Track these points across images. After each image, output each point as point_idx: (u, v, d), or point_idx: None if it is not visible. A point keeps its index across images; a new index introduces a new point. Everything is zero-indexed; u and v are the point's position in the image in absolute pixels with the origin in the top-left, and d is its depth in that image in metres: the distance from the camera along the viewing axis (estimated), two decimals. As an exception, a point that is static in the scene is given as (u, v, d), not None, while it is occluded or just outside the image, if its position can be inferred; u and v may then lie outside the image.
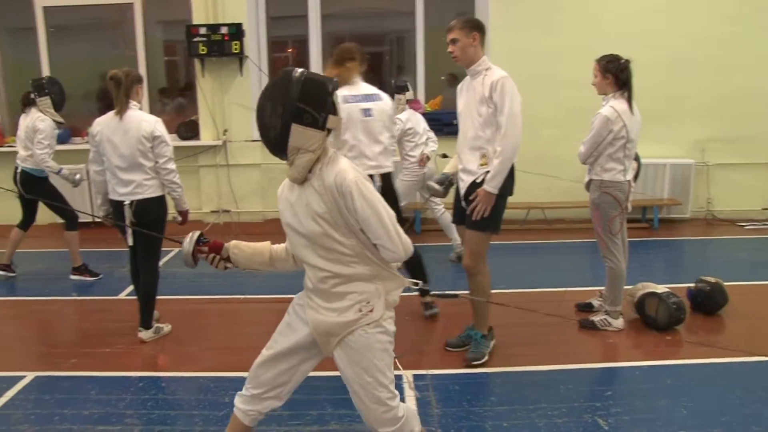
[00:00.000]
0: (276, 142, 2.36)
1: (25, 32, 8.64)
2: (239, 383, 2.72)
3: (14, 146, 8.09)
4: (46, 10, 8.42)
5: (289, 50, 9.05)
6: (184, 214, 4.78)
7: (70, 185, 6.12)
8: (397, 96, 5.99)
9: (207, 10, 7.75)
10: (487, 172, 3.90)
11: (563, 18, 7.55)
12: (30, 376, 4.14)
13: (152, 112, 4.78)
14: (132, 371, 4.18)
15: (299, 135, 2.32)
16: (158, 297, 4.71)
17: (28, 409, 3.75)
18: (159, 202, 4.54)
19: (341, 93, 4.46)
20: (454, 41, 3.99)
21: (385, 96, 4.58)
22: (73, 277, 6.23)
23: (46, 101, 5.90)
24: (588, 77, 4.61)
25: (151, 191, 4.44)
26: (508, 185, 3.95)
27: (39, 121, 5.84)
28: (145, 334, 4.65)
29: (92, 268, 6.25)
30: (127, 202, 4.42)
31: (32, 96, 5.95)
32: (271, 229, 7.89)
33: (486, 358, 4.17)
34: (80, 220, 6.18)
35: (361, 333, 2.48)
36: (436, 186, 4.33)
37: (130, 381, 4.07)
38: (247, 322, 4.97)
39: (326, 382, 3.94)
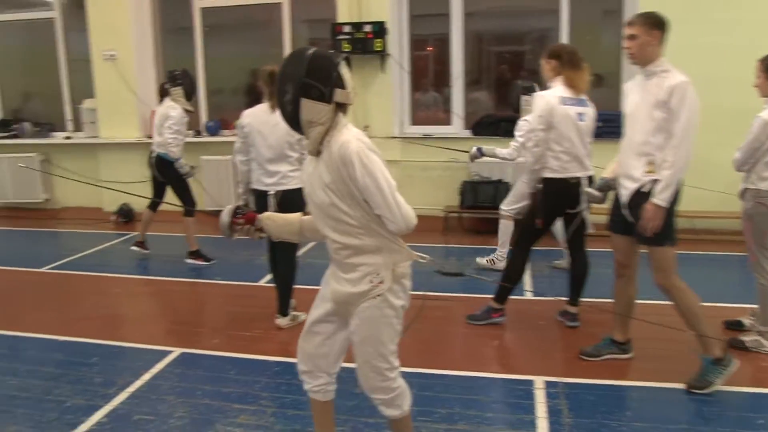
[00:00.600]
0: (290, 116, 2.50)
1: (183, 31, 9.21)
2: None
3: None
4: (204, 10, 8.97)
5: (429, 48, 9.06)
6: None
7: (183, 175, 6.50)
8: (523, 98, 5.87)
9: (351, 8, 7.91)
10: (654, 180, 3.65)
11: (723, 13, 6.98)
12: (177, 351, 4.43)
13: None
14: (268, 356, 4.36)
15: (309, 109, 2.45)
16: (296, 286, 4.87)
17: (174, 381, 4.01)
18: (301, 194, 4.68)
19: (560, 94, 4.42)
20: (632, 37, 3.74)
21: (590, 102, 4.60)
22: (188, 260, 6.64)
23: (178, 91, 6.38)
24: (752, 78, 4.28)
25: (295, 182, 4.59)
26: (676, 194, 3.69)
27: (170, 109, 6.32)
28: (282, 321, 4.83)
29: (230, 256, 6.62)
30: (271, 192, 4.60)
31: (166, 86, 6.44)
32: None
33: (714, 388, 3.73)
34: (220, 209, 6.47)
35: (368, 305, 2.57)
36: (595, 192, 4.14)
37: (266, 365, 4.25)
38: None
39: (456, 381, 3.95)
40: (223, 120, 8.95)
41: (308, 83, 2.42)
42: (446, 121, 8.35)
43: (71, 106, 9.65)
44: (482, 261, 6.28)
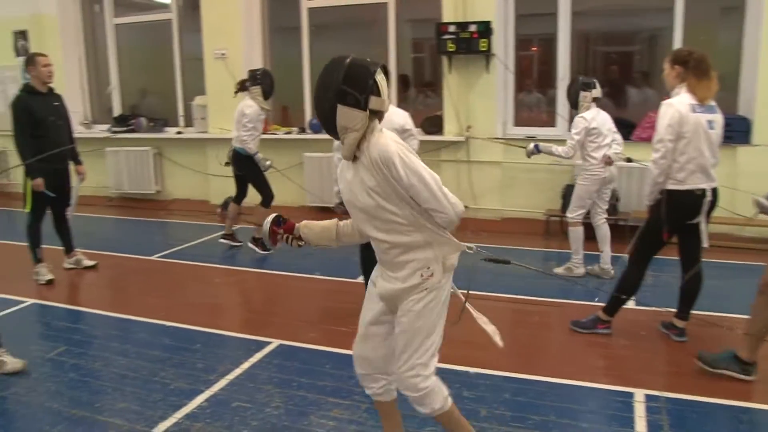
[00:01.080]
0: (326, 121, 2.57)
1: (290, 31, 9.43)
2: (471, 379, 2.71)
3: (275, 133, 8.95)
4: (311, 10, 9.14)
5: (534, 48, 8.89)
6: None
7: (261, 168, 6.87)
8: (582, 93, 5.71)
9: (456, 8, 7.86)
10: None
11: None
12: (275, 342, 4.55)
13: (400, 105, 5.04)
14: (363, 351, 4.39)
15: (344, 115, 2.51)
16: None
17: (273, 371, 4.12)
18: None
19: (689, 102, 4.19)
20: None
21: (718, 109, 4.34)
22: (249, 244, 7.02)
23: (257, 90, 6.75)
24: None
25: None
26: None
27: (247, 107, 6.71)
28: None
29: (328, 252, 6.65)
30: None
31: (247, 84, 6.77)
32: (508, 227, 7.88)
33: None
34: (321, 205, 6.67)
35: (415, 298, 2.64)
36: (767, 202, 3.90)
37: (360, 360, 4.28)
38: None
39: (552, 388, 3.85)
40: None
41: (344, 90, 2.49)
42: (550, 123, 8.16)
43: (183, 103, 10.09)
44: (559, 270, 6.11)
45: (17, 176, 10.87)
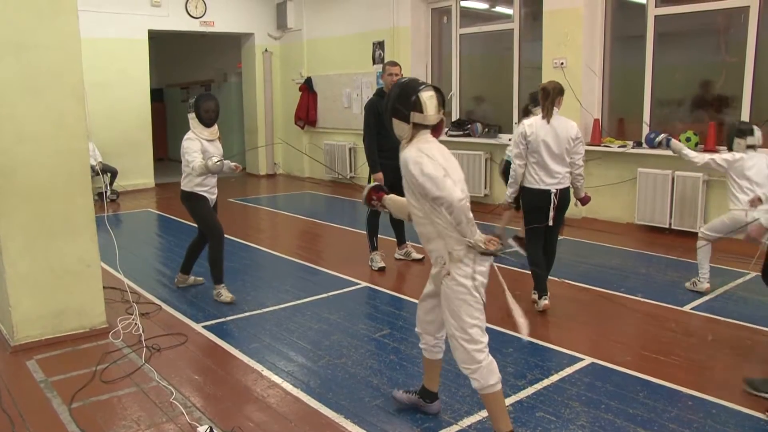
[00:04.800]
0: (391, 131, 3.28)
1: (632, 40, 9.02)
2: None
3: (609, 146, 8.68)
4: (657, 18, 8.59)
5: None
6: (584, 199, 5.60)
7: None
8: (736, 140, 5.62)
9: None
10: None
11: None
12: (588, 360, 4.41)
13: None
14: (682, 386, 4.04)
15: (395, 126, 3.23)
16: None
17: (582, 389, 4.01)
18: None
19: None
20: None
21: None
22: (511, 242, 7.30)
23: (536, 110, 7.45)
24: None
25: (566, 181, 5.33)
26: None
27: (518, 126, 7.27)
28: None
29: (655, 274, 6.27)
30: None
31: (529, 107, 6.95)
32: None
33: None
34: (652, 224, 6.20)
35: (444, 283, 3.17)
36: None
37: (678, 395, 3.94)
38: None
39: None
40: (666, 133, 8.46)
41: (395, 107, 3.17)
42: None
43: (518, 110, 10.27)
44: (687, 284, 6.04)
45: (363, 171, 12.22)
